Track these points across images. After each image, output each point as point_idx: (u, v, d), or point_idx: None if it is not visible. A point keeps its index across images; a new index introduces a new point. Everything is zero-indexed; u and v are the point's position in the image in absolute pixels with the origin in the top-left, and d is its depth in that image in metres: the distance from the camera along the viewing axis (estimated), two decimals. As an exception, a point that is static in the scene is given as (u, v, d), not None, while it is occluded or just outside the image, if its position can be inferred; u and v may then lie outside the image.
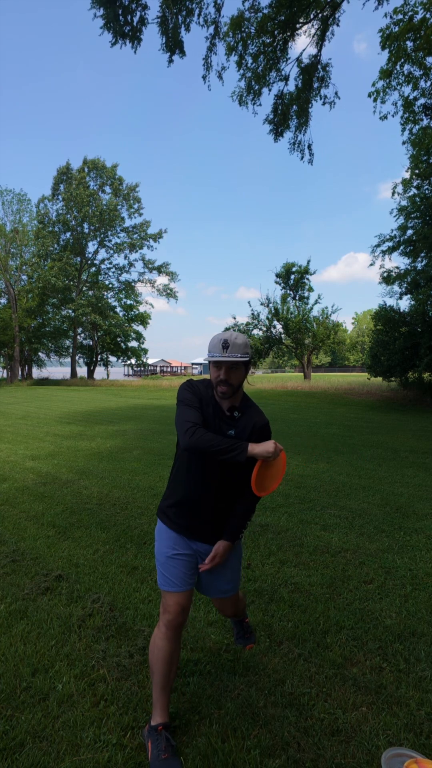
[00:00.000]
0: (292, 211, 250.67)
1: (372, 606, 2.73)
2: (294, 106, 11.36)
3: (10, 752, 1.69)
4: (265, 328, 31.58)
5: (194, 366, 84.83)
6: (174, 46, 9.35)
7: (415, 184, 17.39)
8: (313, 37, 10.63)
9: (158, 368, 79.30)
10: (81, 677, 2.10)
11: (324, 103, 11.19)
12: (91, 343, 42.11)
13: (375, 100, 10.64)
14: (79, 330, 41.02)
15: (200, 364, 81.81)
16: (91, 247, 40.60)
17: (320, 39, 10.56)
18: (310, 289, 31.88)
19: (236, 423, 1.82)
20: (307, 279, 31.65)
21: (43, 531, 3.98)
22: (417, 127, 11.55)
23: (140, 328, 42.61)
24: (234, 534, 1.84)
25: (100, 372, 45.29)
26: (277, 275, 32.07)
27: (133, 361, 45.41)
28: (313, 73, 10.88)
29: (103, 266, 41.36)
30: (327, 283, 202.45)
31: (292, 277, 31.66)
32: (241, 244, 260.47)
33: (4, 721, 1.84)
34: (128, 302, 41.53)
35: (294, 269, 31.48)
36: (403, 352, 15.62)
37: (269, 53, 10.38)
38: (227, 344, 1.70)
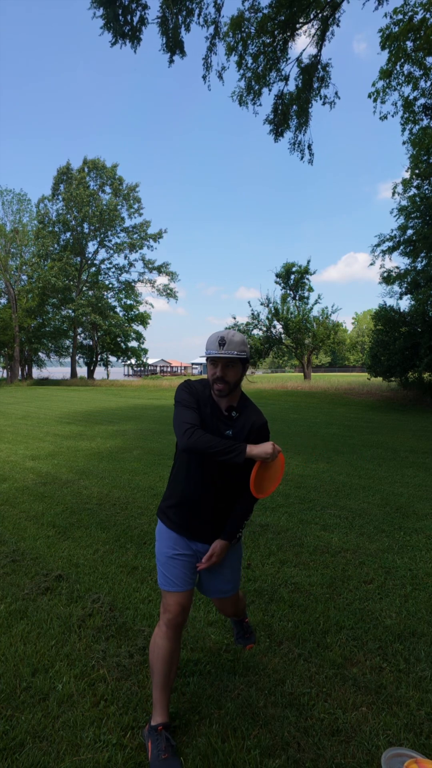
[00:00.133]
0: (292, 211, 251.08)
1: (372, 606, 2.73)
2: (294, 106, 11.37)
3: (10, 752, 1.69)
4: (265, 328, 31.63)
5: (194, 366, 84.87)
6: (174, 46, 9.37)
7: (415, 184, 17.40)
8: (313, 37, 10.64)
9: (158, 368, 79.37)
10: (81, 677, 2.10)
11: (324, 103, 11.22)
12: (91, 343, 42.10)
13: (375, 100, 10.65)
14: (79, 330, 41.02)
15: (200, 364, 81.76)
16: (91, 247, 40.69)
17: (320, 39, 10.56)
18: (310, 289, 31.95)
19: (234, 423, 1.81)
20: (307, 279, 31.70)
21: (43, 531, 3.98)
22: (417, 127, 11.57)
23: (140, 328, 42.69)
24: (231, 533, 1.84)
25: (100, 372, 45.35)
26: (277, 275, 32.11)
27: (133, 361, 45.41)
28: (313, 73, 10.89)
29: (103, 266, 41.41)
30: (327, 283, 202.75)
31: (292, 277, 31.69)
32: (241, 244, 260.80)
33: (4, 721, 1.84)
34: (128, 302, 41.56)
35: (294, 269, 31.51)
36: (403, 352, 15.63)
37: (269, 53, 10.39)
38: (224, 341, 1.70)
